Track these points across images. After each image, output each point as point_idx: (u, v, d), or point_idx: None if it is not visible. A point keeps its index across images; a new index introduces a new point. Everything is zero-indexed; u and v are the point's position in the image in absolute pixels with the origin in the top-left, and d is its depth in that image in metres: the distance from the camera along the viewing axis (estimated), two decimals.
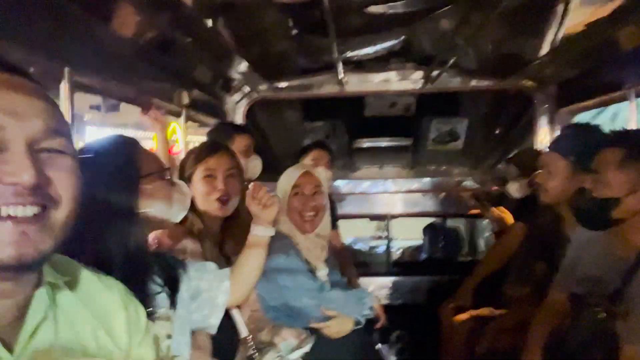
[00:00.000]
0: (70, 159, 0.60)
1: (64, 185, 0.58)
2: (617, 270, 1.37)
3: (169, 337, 1.11)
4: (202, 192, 1.49)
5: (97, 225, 0.99)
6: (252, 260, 1.38)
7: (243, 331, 1.50)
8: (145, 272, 1.05)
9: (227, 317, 1.48)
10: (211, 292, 1.30)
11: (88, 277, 0.72)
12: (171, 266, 1.22)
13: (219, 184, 1.50)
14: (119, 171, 1.06)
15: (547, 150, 1.84)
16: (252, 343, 1.49)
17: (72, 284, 0.68)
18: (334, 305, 1.76)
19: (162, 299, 1.12)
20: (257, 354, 1.49)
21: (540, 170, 1.82)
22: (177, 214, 1.19)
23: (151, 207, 1.10)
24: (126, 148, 1.11)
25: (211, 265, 1.34)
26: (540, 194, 1.83)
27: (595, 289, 1.42)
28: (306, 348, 1.60)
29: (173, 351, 1.11)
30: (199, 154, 1.54)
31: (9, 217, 0.53)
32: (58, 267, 0.67)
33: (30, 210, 0.55)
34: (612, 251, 1.42)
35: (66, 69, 1.19)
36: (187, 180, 1.49)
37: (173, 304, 1.16)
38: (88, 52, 1.32)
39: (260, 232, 1.38)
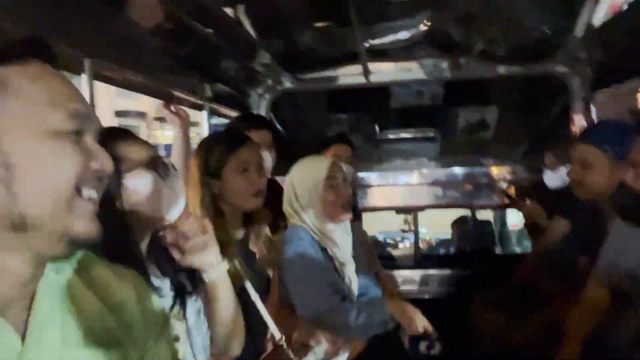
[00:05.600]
0: None
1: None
2: None
3: (177, 339, 1.03)
4: (239, 187, 1.43)
5: None
6: (221, 309, 1.14)
7: (276, 334, 1.44)
8: (142, 272, 0.93)
9: (254, 311, 1.46)
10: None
11: (100, 267, 0.70)
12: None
13: (255, 177, 1.45)
14: None
15: (580, 142, 1.71)
16: (285, 345, 1.44)
17: (81, 273, 0.67)
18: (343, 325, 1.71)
19: (170, 296, 1.07)
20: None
21: (573, 166, 1.72)
22: (169, 210, 1.07)
23: (137, 205, 1.02)
24: (104, 140, 1.06)
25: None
26: (577, 189, 1.72)
27: None
28: (342, 358, 1.51)
29: (187, 355, 1.06)
30: (228, 147, 1.46)
31: (90, 199, 0.59)
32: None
33: (97, 195, 0.61)
34: None
35: (86, 60, 1.20)
36: (215, 175, 1.44)
37: (182, 301, 1.10)
38: (109, 43, 1.33)
39: (212, 275, 1.13)
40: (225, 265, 1.15)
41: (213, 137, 1.55)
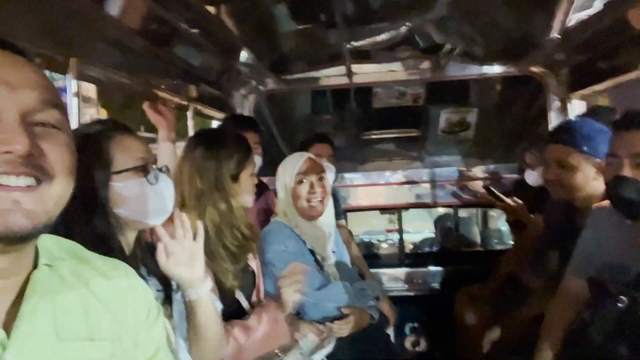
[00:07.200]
0: (65, 135, 0.60)
1: (59, 159, 0.58)
2: None
3: None
4: (249, 188, 1.51)
5: (65, 221, 0.94)
6: (200, 326, 1.13)
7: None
8: None
9: (237, 306, 1.48)
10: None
11: (91, 259, 0.70)
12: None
13: (255, 178, 1.55)
14: (85, 165, 0.94)
15: (555, 143, 1.73)
16: None
17: (73, 266, 0.67)
18: (336, 300, 1.74)
19: (156, 295, 1.06)
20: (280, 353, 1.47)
21: (550, 167, 1.73)
22: (153, 217, 1.05)
23: (122, 207, 1.00)
24: (97, 137, 1.00)
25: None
26: (554, 190, 1.75)
27: (618, 276, 1.37)
28: (329, 348, 1.55)
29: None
30: (246, 151, 1.51)
31: (1, 186, 0.53)
32: (57, 249, 0.66)
33: (23, 181, 0.54)
34: (638, 237, 1.35)
35: (72, 60, 1.19)
36: (234, 177, 1.46)
37: (168, 300, 1.10)
38: (94, 43, 1.32)
39: (193, 295, 1.11)
40: (208, 285, 1.14)
41: (227, 140, 1.52)
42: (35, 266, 0.61)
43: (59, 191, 0.58)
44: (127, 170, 1.01)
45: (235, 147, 1.50)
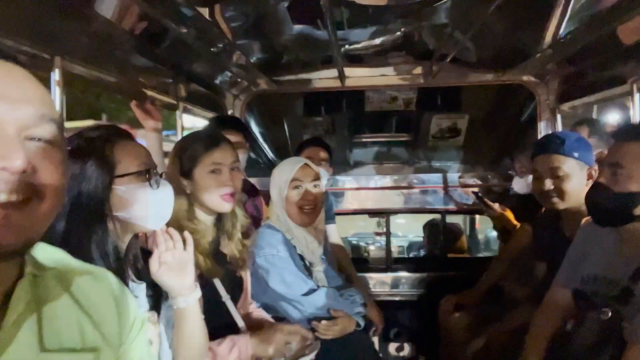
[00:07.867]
0: (59, 151, 0.59)
1: (51, 176, 0.57)
2: (626, 270, 1.32)
3: (150, 343, 1.01)
4: (208, 188, 1.42)
5: (64, 225, 0.93)
6: (186, 335, 1.14)
7: (240, 324, 1.48)
8: (119, 276, 0.89)
9: (225, 312, 1.46)
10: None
11: (76, 269, 0.69)
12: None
13: (226, 179, 1.44)
14: (89, 168, 0.97)
15: (550, 153, 1.74)
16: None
17: (58, 276, 0.66)
18: (322, 306, 1.74)
19: (146, 300, 1.07)
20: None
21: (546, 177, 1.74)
22: (154, 221, 1.07)
23: (123, 211, 1.01)
24: (100, 142, 1.01)
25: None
26: (549, 201, 1.76)
27: (602, 289, 1.39)
28: (312, 355, 1.54)
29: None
30: (200, 148, 1.44)
31: None
32: (44, 257, 0.65)
33: (15, 197, 0.53)
34: (621, 250, 1.37)
35: (57, 58, 1.17)
36: (187, 175, 1.44)
37: (157, 306, 1.10)
38: (80, 41, 1.30)
39: (181, 304, 1.12)
40: (197, 295, 1.14)
41: (189, 137, 1.54)
42: (21, 275, 0.60)
43: (48, 209, 0.57)
44: (129, 174, 1.02)
45: (188, 143, 1.46)
